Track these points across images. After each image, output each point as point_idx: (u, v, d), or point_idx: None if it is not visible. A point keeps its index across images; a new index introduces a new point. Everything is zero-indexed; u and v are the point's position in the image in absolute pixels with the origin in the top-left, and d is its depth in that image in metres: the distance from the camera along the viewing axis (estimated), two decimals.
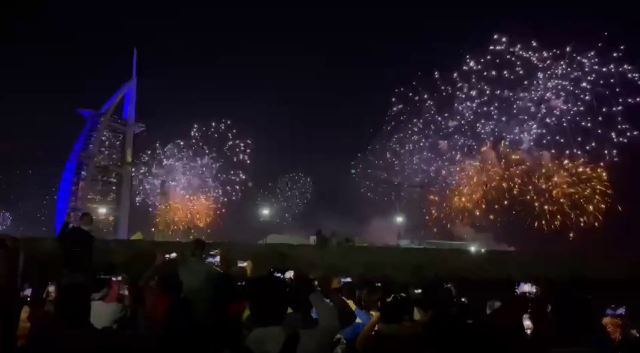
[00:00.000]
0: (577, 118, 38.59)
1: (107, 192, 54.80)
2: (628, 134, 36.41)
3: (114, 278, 6.35)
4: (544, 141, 39.65)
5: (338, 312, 3.36)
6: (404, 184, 44.24)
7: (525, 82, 39.88)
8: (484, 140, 41.85)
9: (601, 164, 37.57)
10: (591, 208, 37.88)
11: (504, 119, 40.90)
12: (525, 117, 40.28)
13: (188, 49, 69.93)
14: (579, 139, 38.22)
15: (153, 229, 47.54)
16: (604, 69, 37.39)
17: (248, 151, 48.44)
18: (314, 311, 3.45)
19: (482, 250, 24.60)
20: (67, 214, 9.33)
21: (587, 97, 38.36)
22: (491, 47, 39.69)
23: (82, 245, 7.81)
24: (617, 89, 36.83)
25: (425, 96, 43.11)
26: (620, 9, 39.40)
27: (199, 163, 48.69)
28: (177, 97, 61.71)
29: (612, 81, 37.03)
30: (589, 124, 37.95)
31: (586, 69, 38.23)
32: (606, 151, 37.00)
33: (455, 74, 41.51)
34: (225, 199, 48.67)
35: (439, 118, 43.12)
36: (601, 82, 37.63)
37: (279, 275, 4.77)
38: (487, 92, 40.94)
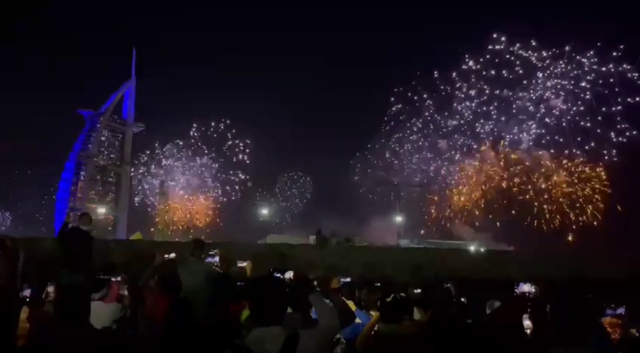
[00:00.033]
0: (577, 118, 38.65)
1: (106, 192, 54.63)
2: (627, 133, 36.45)
3: (113, 278, 6.36)
4: (543, 141, 39.75)
5: (338, 312, 3.35)
6: (403, 184, 44.28)
7: (525, 82, 39.94)
8: (483, 140, 41.94)
9: (600, 163, 37.63)
10: (590, 207, 37.96)
11: (503, 118, 40.95)
12: (525, 116, 40.36)
13: (187, 49, 69.69)
14: (579, 138, 38.30)
15: (152, 229, 47.47)
16: (604, 69, 37.40)
17: (247, 150, 48.49)
18: (314, 311, 3.44)
19: (482, 250, 24.57)
20: (67, 214, 9.27)
21: (586, 97, 38.41)
22: (490, 47, 39.73)
23: (81, 245, 7.78)
24: (617, 89, 36.89)
25: (425, 96, 43.19)
26: (619, 8, 39.38)
27: (198, 162, 48.67)
28: (177, 97, 61.44)
29: (611, 80, 37.07)
30: (588, 124, 38.02)
31: (585, 69, 38.28)
32: (605, 151, 37.09)
33: (454, 74, 41.57)
34: (225, 199, 48.71)
35: (439, 118, 43.18)
36: (600, 81, 37.68)
37: (278, 275, 4.78)
38: (487, 91, 40.98)
